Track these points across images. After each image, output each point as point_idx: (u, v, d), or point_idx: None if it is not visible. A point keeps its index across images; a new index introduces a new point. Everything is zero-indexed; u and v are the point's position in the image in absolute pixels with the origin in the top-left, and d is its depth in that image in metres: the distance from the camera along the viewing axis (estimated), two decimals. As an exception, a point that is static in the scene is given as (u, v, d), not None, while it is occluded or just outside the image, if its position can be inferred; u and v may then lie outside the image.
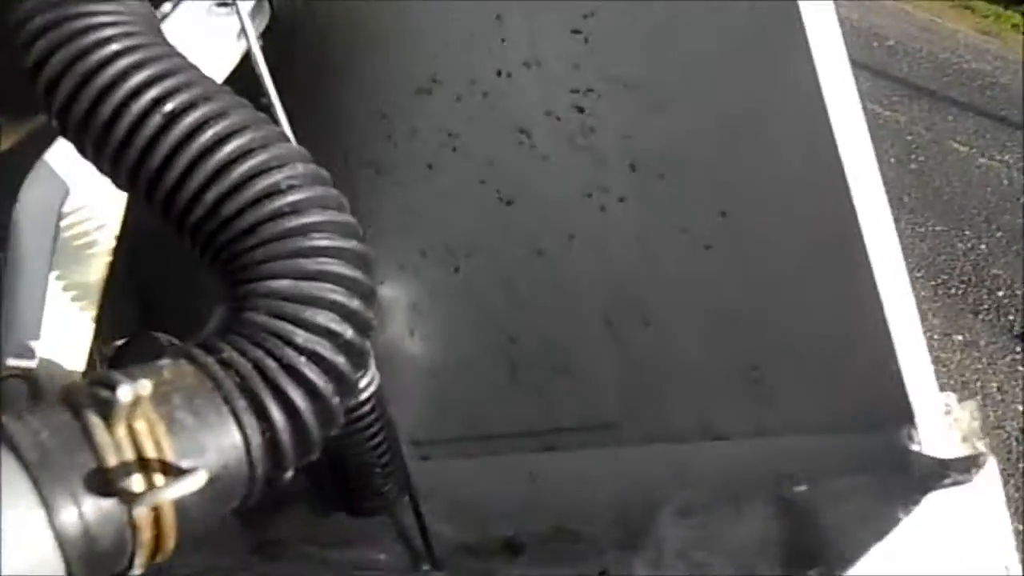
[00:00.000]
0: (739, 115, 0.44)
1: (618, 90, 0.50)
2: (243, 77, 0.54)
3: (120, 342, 0.60)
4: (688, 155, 0.47)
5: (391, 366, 0.69)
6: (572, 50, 0.52)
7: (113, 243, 0.50)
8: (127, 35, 0.32)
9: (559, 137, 0.54)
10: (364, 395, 0.40)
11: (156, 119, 0.31)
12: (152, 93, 0.31)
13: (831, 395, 0.44)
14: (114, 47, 0.32)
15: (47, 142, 0.47)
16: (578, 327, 0.55)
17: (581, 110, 0.52)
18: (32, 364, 0.43)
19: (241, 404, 0.26)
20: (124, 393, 0.22)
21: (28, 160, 0.48)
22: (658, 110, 0.48)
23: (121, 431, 0.23)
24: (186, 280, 0.45)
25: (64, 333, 0.47)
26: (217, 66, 0.52)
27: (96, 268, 0.49)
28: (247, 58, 0.55)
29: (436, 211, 0.63)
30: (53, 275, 0.46)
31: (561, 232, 0.55)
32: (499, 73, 0.57)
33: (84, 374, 0.48)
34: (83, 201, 0.47)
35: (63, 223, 0.47)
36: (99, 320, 0.59)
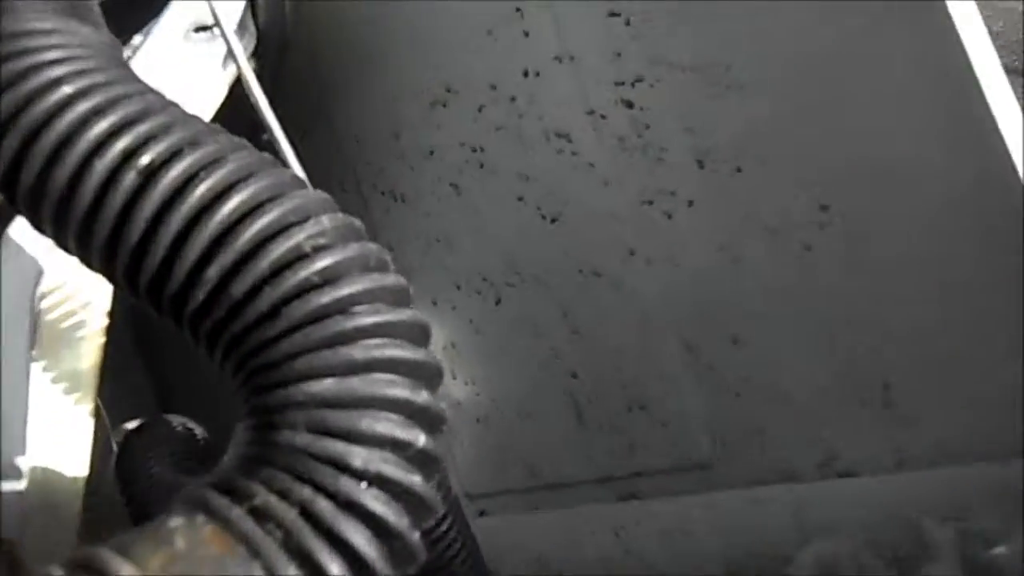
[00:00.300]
0: (841, 88, 0.36)
1: (674, 76, 0.42)
2: (233, 111, 0.47)
3: (130, 425, 0.52)
4: (773, 141, 0.39)
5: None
6: (612, 36, 0.44)
7: (105, 320, 0.43)
8: (82, 73, 0.25)
9: (606, 138, 0.46)
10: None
11: (130, 177, 0.23)
12: (122, 144, 0.23)
13: (979, 417, 0.36)
14: (66, 89, 0.24)
15: (10, 213, 0.40)
16: (653, 355, 0.47)
17: (630, 104, 0.45)
18: (20, 487, 0.36)
19: (290, 571, 0.18)
20: (116, 615, 0.15)
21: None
22: (728, 93, 0.40)
23: (121, 653, 0.16)
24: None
25: (57, 436, 0.40)
26: (202, 101, 0.45)
27: (88, 353, 0.42)
28: (234, 88, 0.47)
29: (468, 237, 0.55)
30: (37, 369, 0.39)
31: (619, 248, 0.47)
32: (525, 73, 0.49)
33: (85, 499, 0.40)
34: (62, 278, 0.40)
35: (42, 305, 0.39)
36: (101, 405, 0.51)
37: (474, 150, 0.53)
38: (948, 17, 0.32)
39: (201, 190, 0.23)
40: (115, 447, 0.56)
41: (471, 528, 0.40)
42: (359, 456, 0.20)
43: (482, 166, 0.53)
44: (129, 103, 0.24)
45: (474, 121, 0.52)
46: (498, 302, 0.55)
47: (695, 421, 0.46)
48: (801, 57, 0.37)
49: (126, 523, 0.47)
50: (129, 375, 0.85)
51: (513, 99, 0.50)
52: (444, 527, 0.33)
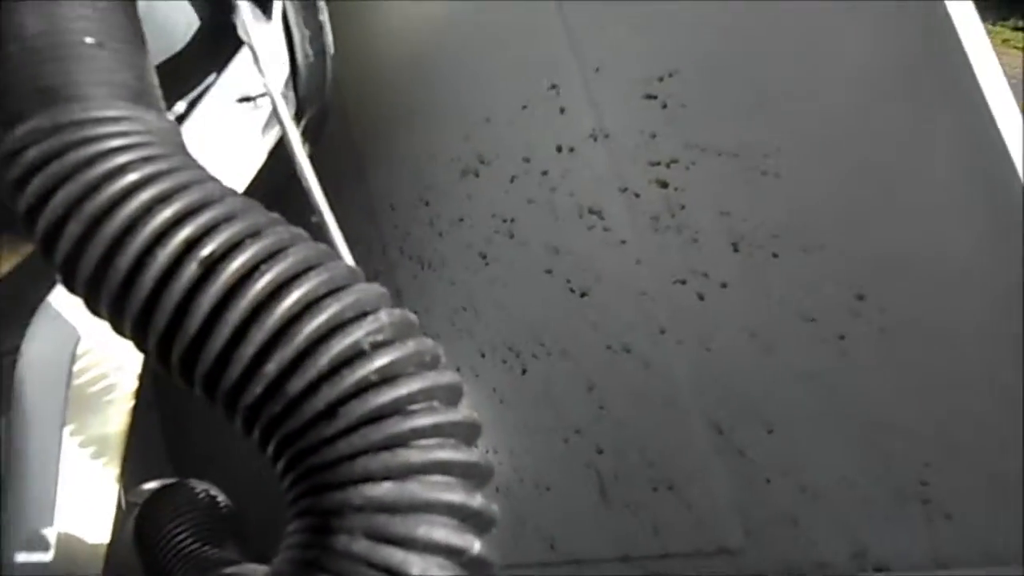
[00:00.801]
0: (882, 179, 0.37)
1: (710, 159, 0.43)
2: (269, 173, 0.48)
3: (149, 486, 0.52)
4: (811, 228, 0.40)
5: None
6: (647, 118, 0.45)
7: (135, 384, 0.43)
8: (146, 160, 0.25)
9: (639, 217, 0.46)
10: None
11: (191, 268, 0.23)
12: (184, 233, 0.24)
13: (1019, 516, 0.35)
14: (131, 177, 0.24)
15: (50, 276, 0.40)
16: (681, 434, 0.46)
17: (664, 184, 0.45)
18: (47, 558, 0.35)
19: None
20: None
21: (31, 292, 0.41)
22: (765, 180, 0.40)
23: None
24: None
25: (83, 501, 0.40)
26: (243, 166, 0.45)
27: (117, 416, 0.42)
28: (273, 152, 0.48)
29: (495, 307, 0.55)
30: (66, 432, 0.39)
31: (650, 325, 0.47)
32: (559, 148, 0.50)
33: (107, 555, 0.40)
34: (97, 341, 0.40)
35: (76, 367, 0.39)
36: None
37: (504, 220, 0.54)
38: (989, 111, 0.33)
39: (261, 284, 0.23)
40: (123, 505, 0.56)
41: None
42: (416, 565, 0.20)
43: (512, 236, 0.53)
44: (191, 191, 0.25)
45: (506, 192, 0.53)
46: (523, 372, 0.54)
47: (723, 505, 0.45)
48: (842, 146, 0.38)
49: (143, 590, 0.47)
50: (144, 432, 0.85)
51: (546, 173, 0.51)
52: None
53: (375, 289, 0.24)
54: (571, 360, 0.51)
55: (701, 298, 0.44)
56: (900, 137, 0.36)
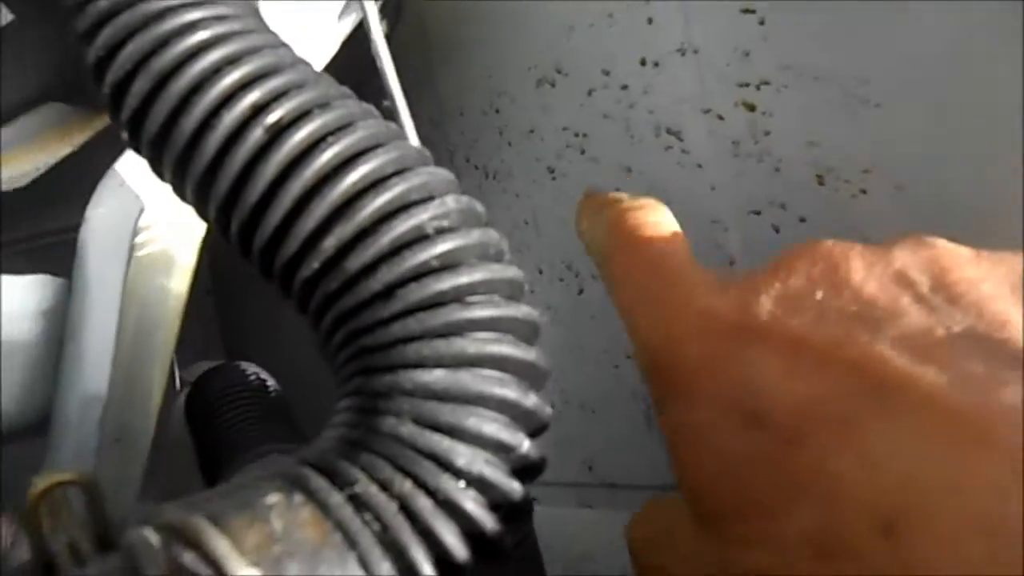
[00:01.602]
0: (984, 120, 0.34)
1: (804, 83, 0.40)
2: (346, 65, 0.47)
3: (203, 367, 0.53)
4: (905, 166, 0.37)
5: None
6: (742, 34, 0.42)
7: (194, 260, 0.43)
8: (219, 19, 0.24)
9: (720, 141, 0.44)
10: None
11: (256, 133, 0.22)
12: (252, 97, 0.23)
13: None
14: (201, 35, 0.23)
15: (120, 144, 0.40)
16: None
17: (752, 108, 0.43)
18: (99, 421, 0.36)
19: (384, 570, 0.17)
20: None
21: (102, 163, 0.41)
22: (862, 109, 0.38)
23: (213, 632, 0.15)
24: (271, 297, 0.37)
25: (136, 370, 0.40)
26: (318, 49, 0.44)
27: (175, 293, 0.42)
28: (346, 44, 0.47)
29: (558, 223, 0.54)
30: (126, 303, 0.39)
31: (719, 254, 0.45)
32: (643, 62, 0.47)
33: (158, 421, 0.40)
34: (161, 214, 0.40)
35: (137, 240, 0.39)
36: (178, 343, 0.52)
37: (577, 135, 0.52)
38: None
39: (327, 156, 0.22)
40: (179, 386, 0.57)
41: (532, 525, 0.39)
42: (463, 455, 0.19)
43: (583, 152, 0.52)
44: (262, 55, 0.24)
45: (581, 106, 0.51)
46: (580, 292, 0.53)
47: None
48: (945, 81, 0.35)
49: (190, 464, 0.48)
50: (200, 316, 0.87)
51: (625, 87, 0.48)
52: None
53: (444, 173, 0.23)
54: (631, 284, 0.50)
55: (776, 230, 0.42)
56: (1005, 78, 0.33)
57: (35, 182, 0.43)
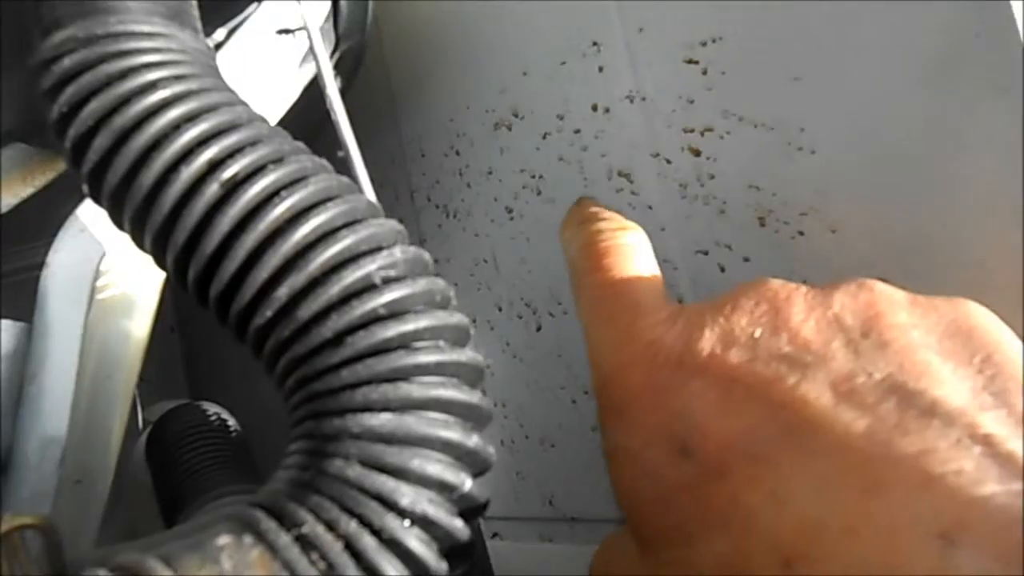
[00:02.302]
0: (918, 169, 0.36)
1: (745, 130, 0.42)
2: (305, 106, 0.48)
3: (165, 406, 0.53)
4: (839, 209, 0.39)
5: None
6: (687, 83, 0.44)
7: (155, 303, 0.44)
8: (178, 79, 0.25)
9: (668, 183, 0.46)
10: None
11: (212, 188, 0.24)
12: (208, 154, 0.24)
13: None
14: (161, 94, 0.25)
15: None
16: (688, 405, 0.46)
17: (697, 152, 0.45)
18: (59, 463, 0.36)
19: (330, 606, 0.18)
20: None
21: (64, 204, 0.41)
22: (800, 156, 0.40)
23: (162, 671, 0.16)
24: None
25: (96, 411, 0.41)
26: (278, 96, 0.45)
27: (136, 336, 0.42)
28: (307, 90, 0.48)
29: (516, 261, 0.55)
30: (87, 347, 0.40)
31: (670, 291, 0.47)
32: (595, 108, 0.49)
33: (116, 471, 0.41)
34: (122, 259, 0.40)
35: (99, 283, 0.40)
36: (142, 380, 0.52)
37: (533, 177, 0.53)
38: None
39: (280, 210, 0.23)
40: (140, 425, 0.57)
41: (487, 553, 0.40)
42: (407, 495, 0.20)
43: (539, 193, 0.53)
44: (219, 113, 0.25)
45: (537, 148, 0.53)
46: (538, 329, 0.55)
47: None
48: (881, 130, 0.37)
49: (151, 505, 0.48)
50: (164, 354, 0.87)
51: (578, 131, 0.50)
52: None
53: (392, 225, 0.25)
54: (586, 321, 0.51)
55: (723, 270, 0.44)
56: (934, 127, 0.35)
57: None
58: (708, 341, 0.25)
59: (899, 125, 0.37)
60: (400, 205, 0.63)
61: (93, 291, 0.37)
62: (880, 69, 0.37)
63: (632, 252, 0.32)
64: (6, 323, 0.35)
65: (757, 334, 0.25)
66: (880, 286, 0.27)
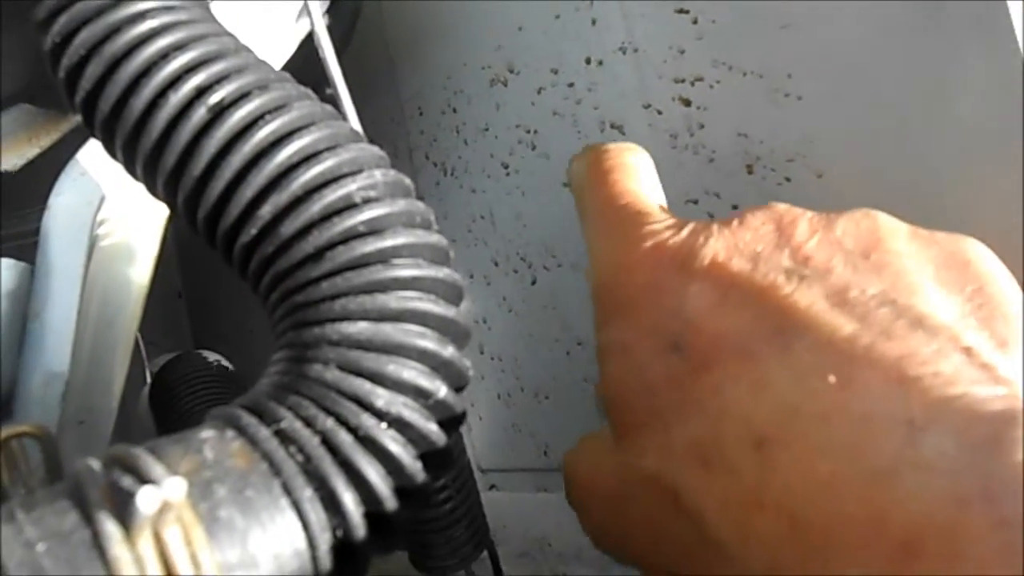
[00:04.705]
0: (903, 114, 0.36)
1: (734, 79, 0.42)
2: (304, 63, 0.49)
3: (167, 358, 0.54)
4: (827, 156, 0.39)
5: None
6: (677, 33, 0.45)
7: (157, 249, 0.45)
8: (167, 9, 0.26)
9: (659, 133, 0.47)
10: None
11: (200, 112, 0.24)
12: (196, 80, 0.25)
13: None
14: (150, 23, 0.25)
15: (83, 138, 0.42)
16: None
17: (687, 102, 0.45)
18: (60, 402, 0.37)
19: (306, 494, 0.19)
20: (146, 502, 0.16)
21: (65, 159, 0.42)
22: (787, 102, 0.40)
23: (145, 542, 0.17)
24: (240, 289, 0.38)
25: (98, 353, 0.42)
26: (275, 50, 0.46)
27: (137, 282, 0.44)
28: (308, 41, 0.49)
29: (512, 217, 0.56)
30: (88, 290, 0.41)
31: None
32: (588, 61, 0.50)
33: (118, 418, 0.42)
34: (122, 205, 0.41)
35: (100, 231, 0.41)
36: (139, 336, 0.53)
37: (528, 132, 0.54)
38: (1021, 53, 0.32)
39: (264, 132, 0.24)
40: (148, 378, 0.58)
41: (479, 497, 0.41)
42: (382, 397, 0.21)
43: (534, 148, 0.54)
44: (207, 42, 0.26)
45: (532, 104, 0.53)
46: (533, 282, 0.56)
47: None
48: (865, 77, 0.37)
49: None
50: (170, 311, 0.88)
51: (572, 85, 0.51)
52: (452, 486, 0.34)
53: (373, 149, 0.25)
54: (579, 273, 0.52)
55: (711, 216, 0.45)
56: (920, 72, 0.35)
57: (2, 183, 0.45)
58: (711, 249, 0.26)
59: (883, 70, 0.37)
60: (399, 163, 0.63)
61: (93, 232, 0.38)
62: (865, 15, 0.37)
63: (637, 169, 0.33)
64: (7, 262, 0.36)
65: (760, 248, 0.26)
66: (883, 216, 0.28)
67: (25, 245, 0.43)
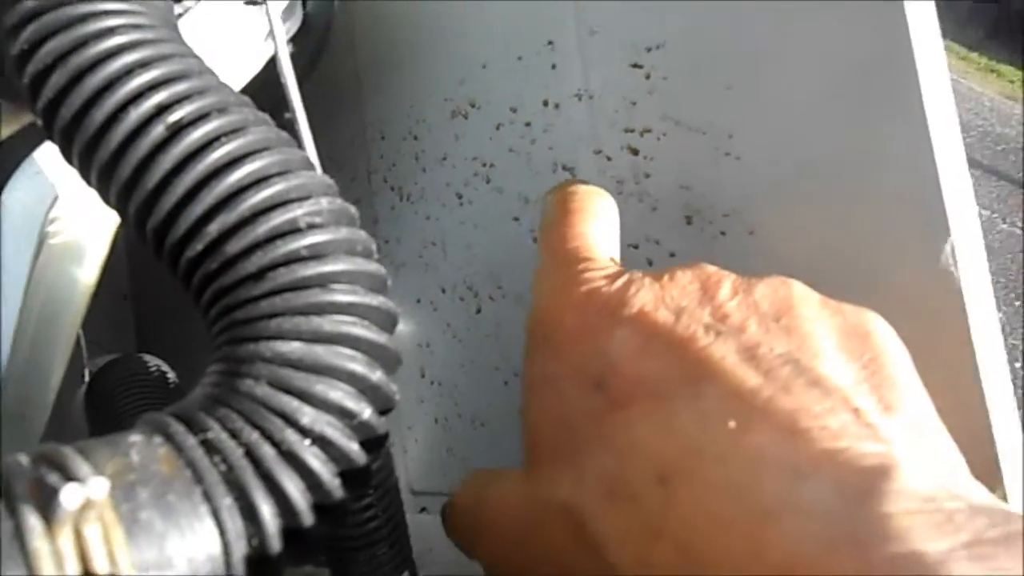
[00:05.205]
0: (834, 182, 0.39)
1: (681, 133, 0.45)
2: (267, 85, 0.50)
3: (105, 359, 0.54)
4: (761, 214, 0.42)
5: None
6: (631, 85, 0.47)
7: (106, 251, 0.45)
8: (135, 27, 0.27)
9: (607, 179, 0.49)
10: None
11: (158, 130, 0.25)
12: (157, 98, 0.26)
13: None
14: (118, 39, 0.26)
15: (41, 137, 0.42)
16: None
17: (635, 152, 0.47)
18: (-4, 392, 0.38)
19: (225, 502, 0.20)
20: (69, 498, 0.17)
21: (21, 156, 0.43)
22: (726, 160, 0.43)
23: (65, 537, 0.18)
24: (186, 296, 0.39)
25: (38, 348, 0.42)
26: (238, 71, 0.47)
27: (84, 282, 0.44)
28: (272, 64, 0.50)
29: (462, 245, 0.57)
30: (34, 286, 0.41)
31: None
32: (545, 103, 0.52)
33: (55, 404, 0.42)
34: (74, 205, 0.42)
35: (50, 228, 0.41)
36: (82, 334, 0.53)
37: (484, 165, 0.56)
38: (927, 126, 0.35)
39: (219, 153, 0.25)
40: (87, 378, 0.58)
41: (404, 518, 0.42)
42: (308, 415, 0.22)
43: (488, 181, 0.55)
44: (171, 62, 0.27)
45: (489, 138, 0.55)
46: (478, 311, 0.57)
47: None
48: (801, 140, 0.40)
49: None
50: (115, 313, 0.87)
51: (529, 124, 0.53)
52: (376, 504, 0.35)
53: (322, 178, 0.27)
54: (524, 306, 0.53)
55: (650, 263, 0.47)
56: (849, 141, 0.38)
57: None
58: (640, 299, 0.28)
59: (818, 136, 0.40)
60: (357, 185, 0.65)
61: (43, 230, 0.39)
62: (803, 83, 0.40)
63: (598, 215, 0.35)
64: (-45, 253, 0.37)
65: (684, 303, 0.28)
66: (799, 285, 0.31)
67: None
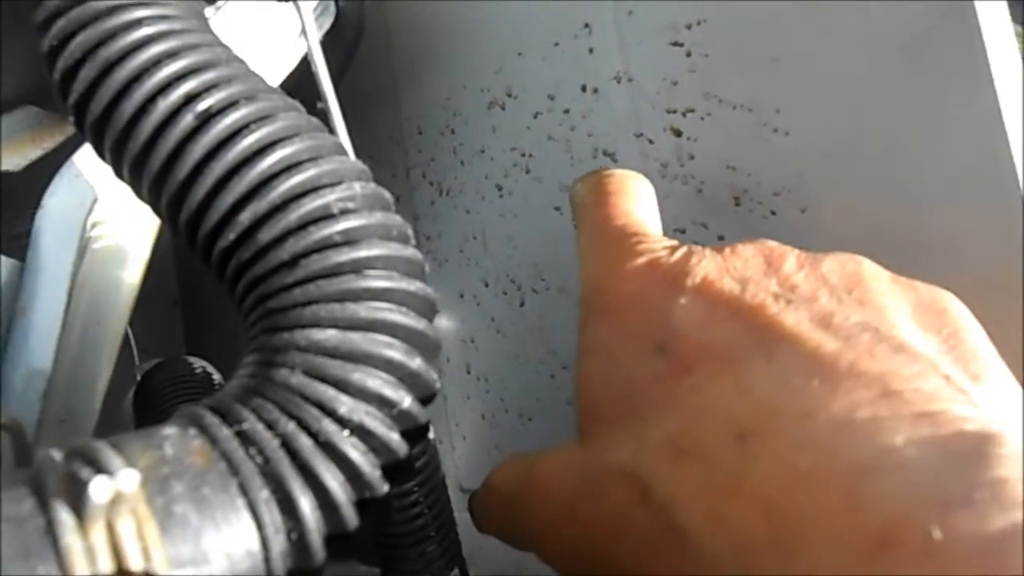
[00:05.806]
0: (888, 151, 0.37)
1: (724, 111, 0.43)
2: (303, 84, 0.49)
3: (151, 364, 0.55)
4: (812, 191, 0.40)
5: (440, 403, 0.63)
6: (671, 65, 0.45)
7: (148, 254, 0.45)
8: (162, 19, 0.27)
9: (650, 163, 0.47)
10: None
11: (187, 119, 0.25)
12: (185, 88, 0.25)
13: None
14: (145, 31, 0.26)
15: (80, 141, 0.43)
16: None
17: (678, 133, 0.46)
18: (43, 399, 0.38)
19: (262, 495, 0.19)
20: (98, 491, 0.16)
21: (61, 161, 0.43)
22: (775, 137, 0.41)
23: (98, 533, 0.17)
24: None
25: (84, 353, 0.42)
26: (273, 67, 0.47)
27: (128, 284, 0.44)
28: (307, 63, 0.50)
29: (503, 238, 0.56)
30: (78, 289, 0.41)
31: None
32: (584, 88, 0.50)
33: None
34: (115, 207, 0.42)
35: (93, 232, 0.42)
36: (131, 334, 0.54)
37: (523, 155, 0.55)
38: (996, 96, 0.33)
39: (248, 141, 0.25)
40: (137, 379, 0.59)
41: (452, 514, 0.41)
42: (345, 404, 0.21)
43: (528, 172, 0.54)
44: (199, 52, 0.26)
45: (528, 128, 0.54)
46: (521, 304, 0.56)
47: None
48: (853, 113, 0.38)
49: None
50: (165, 319, 0.88)
51: (567, 111, 0.51)
52: (423, 500, 0.35)
53: (354, 163, 0.26)
54: (567, 297, 0.52)
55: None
56: (905, 111, 0.36)
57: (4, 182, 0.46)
58: (703, 269, 0.27)
59: (871, 108, 0.38)
60: (396, 182, 0.64)
61: (85, 233, 0.39)
62: (855, 52, 0.38)
63: (640, 196, 0.34)
64: (-1, 258, 0.37)
65: (749, 274, 0.27)
66: (867, 261, 0.30)
67: (24, 245, 0.43)
